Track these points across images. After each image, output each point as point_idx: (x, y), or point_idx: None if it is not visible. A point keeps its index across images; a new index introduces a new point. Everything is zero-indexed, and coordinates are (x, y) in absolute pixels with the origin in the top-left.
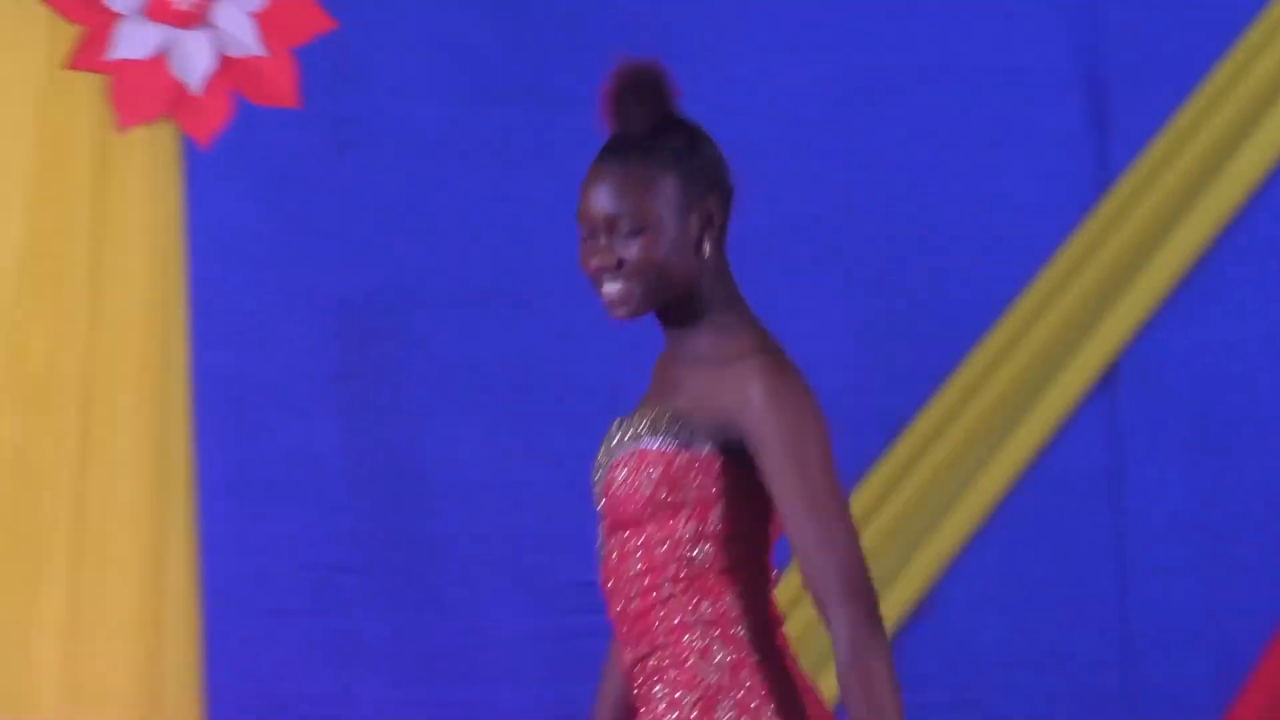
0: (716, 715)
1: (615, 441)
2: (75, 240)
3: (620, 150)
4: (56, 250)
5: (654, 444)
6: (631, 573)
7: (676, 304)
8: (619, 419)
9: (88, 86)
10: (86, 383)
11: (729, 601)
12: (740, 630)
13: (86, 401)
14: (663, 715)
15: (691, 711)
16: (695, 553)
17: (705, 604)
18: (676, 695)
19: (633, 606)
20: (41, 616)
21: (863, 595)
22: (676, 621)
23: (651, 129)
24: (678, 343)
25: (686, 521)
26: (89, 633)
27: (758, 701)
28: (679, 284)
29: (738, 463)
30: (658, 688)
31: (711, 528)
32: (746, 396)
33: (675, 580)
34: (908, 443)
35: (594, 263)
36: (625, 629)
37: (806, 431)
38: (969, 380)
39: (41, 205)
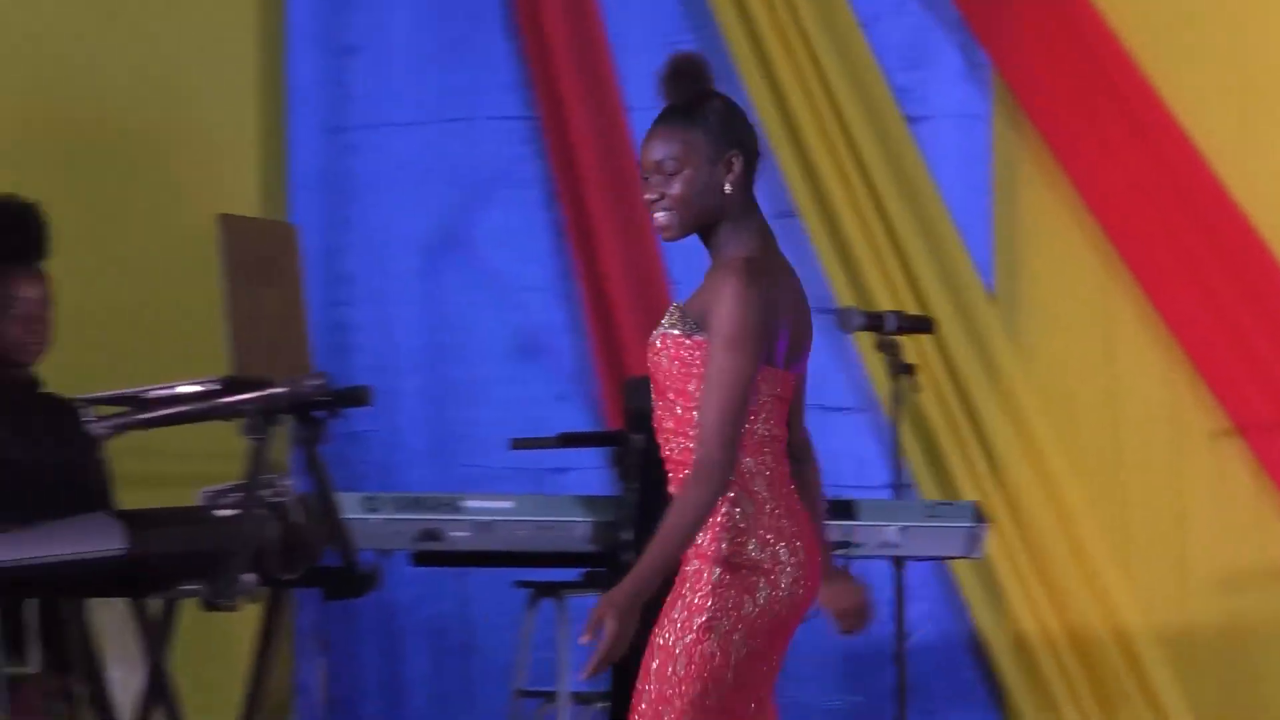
0: (726, 540)
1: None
2: None
3: (668, 116)
4: None
5: (671, 330)
6: (667, 425)
7: (708, 230)
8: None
9: None
10: None
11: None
12: (748, 478)
13: None
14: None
15: (717, 538)
16: None
17: None
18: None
19: (668, 452)
20: None
21: (716, 454)
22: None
23: (690, 102)
24: (712, 258)
25: (696, 390)
26: None
27: (764, 535)
28: (708, 215)
29: None
30: None
31: None
32: (718, 296)
33: (694, 435)
34: None
35: (647, 197)
36: (669, 468)
37: (738, 321)
38: None
39: None
